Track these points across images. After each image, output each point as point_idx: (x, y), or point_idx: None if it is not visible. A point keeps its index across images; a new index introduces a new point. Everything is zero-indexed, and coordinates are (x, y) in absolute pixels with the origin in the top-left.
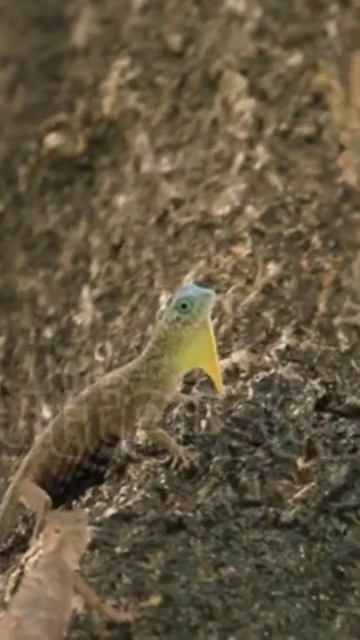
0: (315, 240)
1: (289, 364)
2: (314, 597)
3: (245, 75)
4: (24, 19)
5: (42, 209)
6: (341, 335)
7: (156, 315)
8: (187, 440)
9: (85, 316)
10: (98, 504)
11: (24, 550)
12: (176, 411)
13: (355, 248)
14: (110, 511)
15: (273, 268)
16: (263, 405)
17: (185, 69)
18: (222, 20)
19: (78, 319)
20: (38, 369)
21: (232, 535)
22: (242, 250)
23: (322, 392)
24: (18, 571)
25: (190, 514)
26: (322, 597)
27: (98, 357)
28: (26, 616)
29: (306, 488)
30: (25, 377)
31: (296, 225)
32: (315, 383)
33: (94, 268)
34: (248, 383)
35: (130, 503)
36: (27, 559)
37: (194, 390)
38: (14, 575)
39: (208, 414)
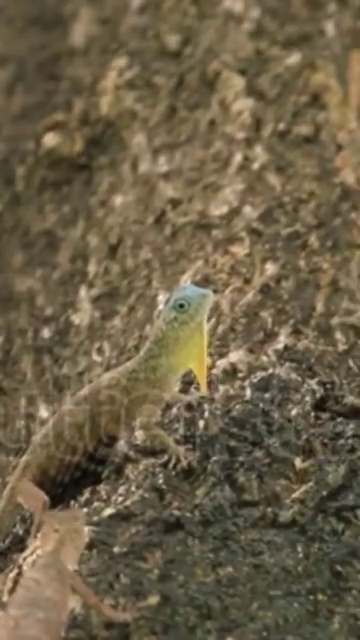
0: (313, 240)
1: (287, 364)
2: (312, 597)
3: (243, 75)
4: (22, 19)
5: (40, 209)
6: (339, 335)
7: (154, 315)
8: (185, 440)
9: (83, 316)
10: (96, 504)
11: (22, 550)
12: (174, 411)
13: (353, 248)
14: (108, 511)
15: (271, 268)
16: (261, 405)
17: (183, 69)
18: (220, 20)
19: (76, 319)
20: (36, 369)
21: (230, 535)
22: (240, 250)
23: (320, 392)
24: (16, 571)
25: (188, 514)
26: (320, 597)
27: (96, 357)
28: (24, 616)
29: (304, 488)
30: (23, 377)
31: (294, 225)
32: (313, 383)
33: (92, 268)
34: (246, 383)
35: (128, 503)
36: (25, 559)
37: (192, 390)
38: (12, 575)
39: (206, 414)
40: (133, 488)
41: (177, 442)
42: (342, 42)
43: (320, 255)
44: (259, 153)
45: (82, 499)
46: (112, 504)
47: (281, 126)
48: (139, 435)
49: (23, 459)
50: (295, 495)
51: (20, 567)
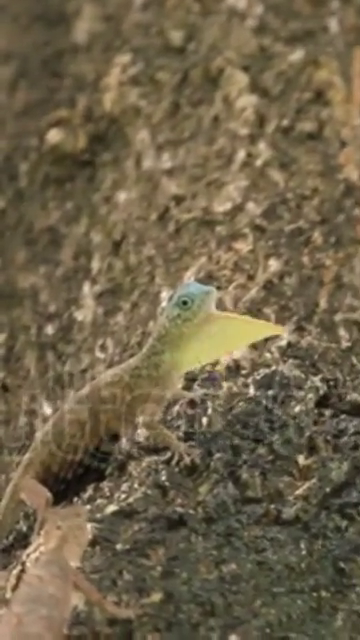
0: (316, 236)
1: (290, 361)
2: (315, 594)
3: (246, 71)
4: (26, 16)
5: (43, 205)
6: (342, 331)
7: (157, 311)
8: (188, 437)
9: (86, 312)
10: (99, 501)
11: (25, 547)
12: (177, 408)
13: (356, 244)
14: (111, 508)
15: (274, 264)
16: (264, 402)
17: (186, 65)
18: (223, 16)
19: (79, 315)
20: (39, 366)
21: (233, 532)
22: (243, 246)
23: (323, 389)
24: (19, 568)
25: (191, 511)
26: (323, 594)
27: (99, 354)
28: (27, 613)
29: (307, 485)
30: (26, 374)
31: (297, 221)
32: (316, 380)
33: (95, 264)
34: (249, 380)
35: (131, 500)
36: (28, 556)
37: (195, 387)
38: (15, 572)
39: (209, 411)
40: (136, 485)
41: (180, 439)
42: (346, 39)
43: (323, 251)
44: (263, 149)
45: (85, 496)
46: (115, 501)
47: (285, 122)
48: (142, 432)
49: (26, 456)
50: (298, 492)
51: (23, 564)
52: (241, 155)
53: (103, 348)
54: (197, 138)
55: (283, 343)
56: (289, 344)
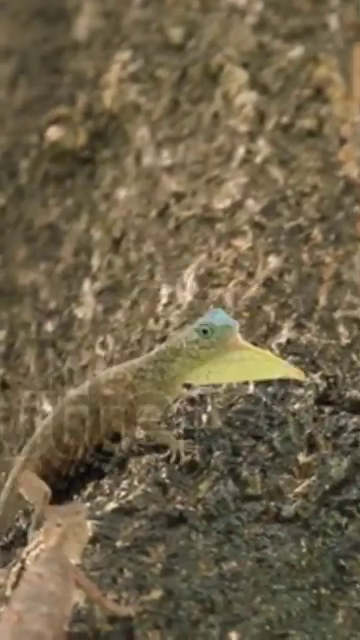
0: (316, 233)
1: (290, 358)
2: (315, 591)
3: (246, 68)
4: (26, 12)
5: (43, 202)
6: (342, 329)
7: (157, 309)
8: (188, 434)
9: (86, 310)
10: (99, 498)
11: (25, 544)
12: (177, 405)
13: (356, 241)
14: (111, 505)
15: (274, 261)
16: (264, 399)
17: (186, 62)
18: (223, 13)
19: (79, 313)
20: (39, 363)
21: (233, 529)
22: (243, 243)
23: (323, 386)
24: (19, 565)
25: (191, 508)
26: (323, 591)
27: (99, 351)
28: (27, 610)
29: (307, 482)
30: (26, 371)
31: (297, 218)
32: (316, 377)
33: (95, 261)
34: None
35: (131, 497)
36: (28, 553)
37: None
38: (15, 569)
39: (209, 408)
40: (136, 482)
41: (179, 436)
42: (345, 35)
43: (323, 249)
44: (262, 146)
45: (85, 493)
46: (115, 498)
47: (284, 119)
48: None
49: (25, 450)
50: (298, 489)
51: (23, 561)
52: (241, 152)
53: (103, 345)
54: (197, 135)
55: (283, 340)
56: (289, 341)
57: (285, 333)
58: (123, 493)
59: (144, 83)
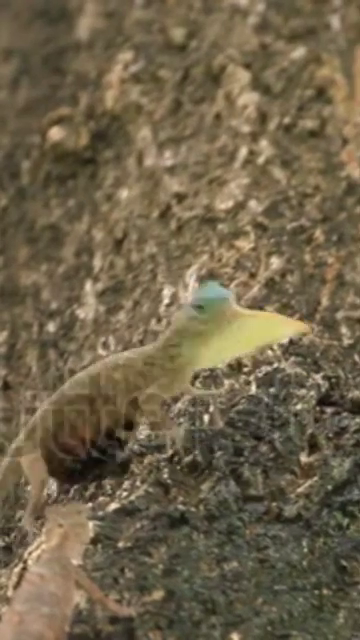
0: (318, 234)
1: (292, 358)
2: (317, 591)
3: (248, 69)
4: (28, 12)
5: (45, 203)
6: (344, 329)
7: (159, 309)
8: (190, 434)
9: (88, 310)
10: (101, 499)
11: (27, 545)
12: (179, 405)
13: (358, 242)
14: (113, 506)
15: (276, 262)
16: (266, 400)
17: (188, 63)
18: (225, 14)
19: (81, 313)
20: (41, 363)
21: (235, 530)
22: (245, 244)
23: (325, 386)
24: (21, 566)
25: (193, 509)
26: (325, 591)
27: (101, 351)
28: (29, 611)
29: (309, 482)
30: (28, 371)
31: (299, 219)
32: (318, 377)
33: (97, 262)
34: (251, 378)
35: (133, 498)
36: (30, 554)
37: (197, 384)
38: (17, 570)
39: (211, 408)
40: (138, 483)
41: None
42: (347, 36)
43: (325, 249)
44: (264, 147)
45: (87, 493)
46: (117, 499)
47: (286, 120)
48: (143, 430)
49: (31, 421)
50: (300, 490)
51: (25, 562)
52: (243, 153)
53: (105, 346)
54: (199, 136)
55: (285, 341)
56: (291, 342)
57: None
58: (125, 493)
59: (146, 83)
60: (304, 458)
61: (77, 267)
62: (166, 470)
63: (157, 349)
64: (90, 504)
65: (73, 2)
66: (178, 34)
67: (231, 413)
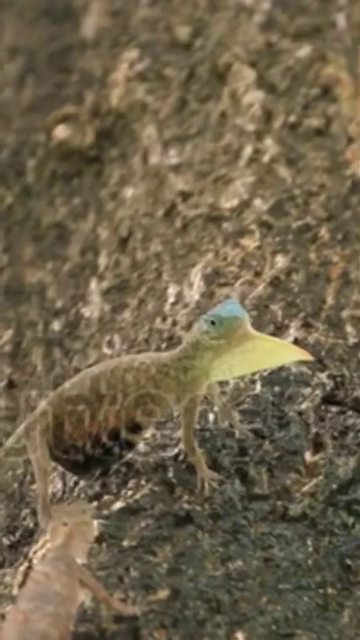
0: (323, 233)
1: None
2: (322, 590)
3: (254, 67)
4: (33, 11)
5: (50, 201)
6: (349, 328)
7: (164, 307)
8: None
9: (93, 309)
10: (105, 497)
11: (32, 543)
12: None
13: None
14: (118, 504)
15: (281, 261)
16: (271, 398)
17: (194, 61)
18: (231, 12)
19: (86, 312)
20: (46, 362)
21: (240, 528)
22: (250, 243)
23: (330, 385)
24: (26, 565)
25: (198, 507)
26: (330, 590)
27: (106, 350)
28: (34, 610)
29: (314, 481)
30: (33, 370)
31: (304, 218)
32: (323, 376)
33: (102, 260)
34: (256, 376)
35: (138, 496)
36: (35, 553)
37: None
38: (22, 569)
39: (216, 407)
40: (143, 482)
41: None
42: (353, 34)
43: (330, 248)
44: (269, 145)
45: (92, 492)
46: (122, 498)
47: (292, 118)
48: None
49: (42, 404)
50: (305, 489)
51: (30, 561)
52: (248, 151)
53: (110, 344)
54: (204, 134)
55: (290, 339)
56: (296, 340)
57: (292, 332)
58: (130, 492)
59: (151, 82)
60: (309, 457)
61: (82, 265)
62: (171, 469)
63: (172, 359)
64: (95, 503)
65: (78, 0)
66: (183, 32)
67: (236, 412)
